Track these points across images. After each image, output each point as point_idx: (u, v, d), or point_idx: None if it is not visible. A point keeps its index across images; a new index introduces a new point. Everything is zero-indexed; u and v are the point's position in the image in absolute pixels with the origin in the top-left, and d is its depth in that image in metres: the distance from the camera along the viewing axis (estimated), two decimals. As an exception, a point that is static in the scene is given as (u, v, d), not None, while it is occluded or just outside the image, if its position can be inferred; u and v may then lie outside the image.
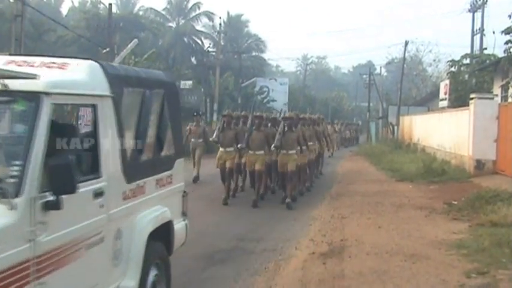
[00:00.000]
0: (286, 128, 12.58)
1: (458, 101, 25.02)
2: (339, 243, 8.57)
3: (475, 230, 9.23)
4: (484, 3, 32.31)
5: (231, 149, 13.02)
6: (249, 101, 42.16)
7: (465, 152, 17.70)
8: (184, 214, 6.10)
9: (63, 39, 43.59)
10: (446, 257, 7.62)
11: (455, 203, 11.92)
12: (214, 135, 13.66)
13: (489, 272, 6.72)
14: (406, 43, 42.63)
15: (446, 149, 20.39)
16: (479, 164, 16.70)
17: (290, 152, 12.55)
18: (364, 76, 57.53)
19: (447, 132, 21.16)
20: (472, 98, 17.63)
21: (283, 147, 12.48)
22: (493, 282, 6.37)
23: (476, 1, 32.54)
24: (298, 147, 13.08)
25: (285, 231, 9.66)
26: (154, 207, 5.16)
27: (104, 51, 25.32)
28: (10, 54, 7.19)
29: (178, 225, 5.80)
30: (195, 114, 17.24)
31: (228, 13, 63.08)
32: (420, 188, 15.56)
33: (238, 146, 12.69)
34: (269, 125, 13.79)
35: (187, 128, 16.34)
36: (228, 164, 12.91)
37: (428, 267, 7.09)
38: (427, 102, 42.11)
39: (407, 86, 52.69)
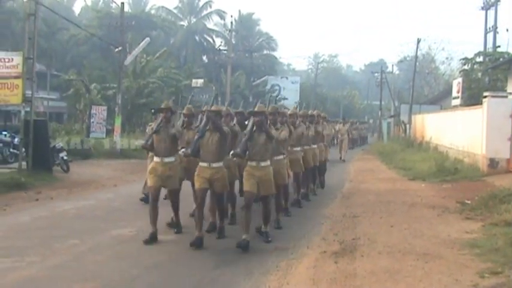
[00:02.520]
0: (255, 128, 8.48)
1: (471, 99, 24.92)
2: (350, 242, 8.54)
3: (489, 230, 9.15)
4: (497, 0, 32.12)
5: (171, 159, 8.78)
6: (261, 99, 42.25)
7: (478, 151, 17.58)
8: None
9: (76, 38, 43.92)
10: (459, 256, 7.57)
11: (469, 202, 11.83)
12: (145, 138, 9.45)
13: (503, 272, 6.66)
14: (418, 41, 42.36)
15: (459, 147, 20.27)
16: (493, 163, 16.60)
17: (263, 164, 8.45)
18: (376, 74, 57.29)
19: (460, 131, 21.03)
20: (485, 96, 17.50)
21: (251, 156, 8.46)
22: (507, 282, 6.32)
23: (490, -1, 32.38)
24: (281, 156, 9.64)
25: (297, 230, 9.64)
26: None
27: (116, 49, 25.36)
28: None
29: None
30: (153, 111, 12.17)
31: (240, 12, 63.32)
32: (433, 186, 15.48)
33: (180, 151, 8.99)
34: (233, 123, 10.08)
35: (147, 130, 11.98)
36: (170, 186, 8.92)
37: (441, 267, 7.04)
38: (439, 100, 41.91)
39: (420, 84, 52.53)
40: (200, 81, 35.53)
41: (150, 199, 8.77)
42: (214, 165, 8.38)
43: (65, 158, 17.59)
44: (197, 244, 8.10)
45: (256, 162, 8.43)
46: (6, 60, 15.76)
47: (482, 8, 33.63)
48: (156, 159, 8.83)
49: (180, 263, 7.28)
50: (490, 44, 31.92)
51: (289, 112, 11.51)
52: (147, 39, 28.52)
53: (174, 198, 9.02)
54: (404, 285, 6.38)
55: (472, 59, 28.58)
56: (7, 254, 7.62)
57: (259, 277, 6.79)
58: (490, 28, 32.39)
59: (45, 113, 35.83)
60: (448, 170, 17.40)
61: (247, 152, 8.48)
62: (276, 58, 67.34)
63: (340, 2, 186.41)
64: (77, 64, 41.40)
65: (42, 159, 15.84)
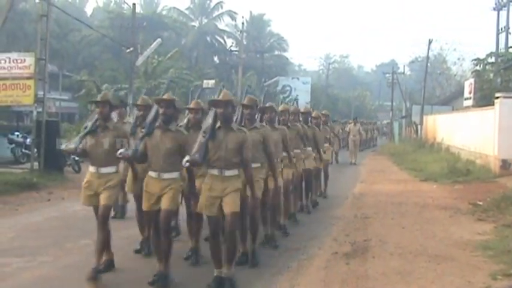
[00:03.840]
0: (218, 125, 6.22)
1: (483, 100, 24.76)
2: (362, 243, 8.52)
3: (501, 231, 9.11)
4: (510, 1, 31.93)
5: (111, 169, 6.64)
6: (272, 100, 42.28)
7: (490, 152, 17.49)
8: None
9: (88, 38, 44.12)
10: (472, 258, 7.53)
11: (481, 203, 11.78)
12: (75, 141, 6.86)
13: (515, 273, 6.63)
14: (430, 41, 42.14)
15: (471, 148, 20.18)
16: (505, 164, 16.50)
17: (227, 173, 6.20)
18: (387, 75, 57.01)
19: (472, 132, 20.94)
20: (497, 97, 17.42)
21: (213, 162, 6.20)
22: (520, 284, 6.29)
23: (502, -1, 32.17)
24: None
25: (308, 231, 9.62)
26: None
27: (128, 50, 25.47)
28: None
29: None
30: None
31: (251, 12, 63.34)
32: (444, 188, 15.41)
33: (118, 152, 6.30)
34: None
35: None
36: (103, 200, 6.53)
37: (453, 269, 7.01)
38: (451, 101, 41.74)
39: (431, 85, 52.28)
40: (211, 82, 35.50)
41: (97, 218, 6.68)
42: (166, 176, 6.30)
43: (76, 158, 17.64)
44: (160, 283, 6.28)
45: (218, 170, 6.19)
46: (19, 61, 15.87)
47: (494, 9, 33.42)
48: (91, 169, 6.70)
49: (191, 263, 7.27)
50: (502, 45, 31.72)
51: (280, 109, 9.33)
52: (159, 40, 28.59)
53: (102, 217, 6.55)
54: (416, 286, 6.36)
55: (484, 59, 28.39)
56: (20, 254, 7.66)
57: (270, 278, 6.78)
58: (502, 29, 32.18)
59: (57, 114, 36.04)
60: (460, 171, 17.32)
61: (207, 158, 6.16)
62: (287, 59, 67.36)
63: (351, 3, 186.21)
64: (88, 65, 41.63)
65: (53, 160, 15.90)
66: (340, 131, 27.48)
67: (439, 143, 27.50)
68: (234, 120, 6.64)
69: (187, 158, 5.96)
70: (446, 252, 7.86)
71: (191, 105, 7.44)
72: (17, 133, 20.17)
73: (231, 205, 6.13)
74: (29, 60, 15.88)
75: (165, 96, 6.41)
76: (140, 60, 26.75)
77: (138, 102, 7.80)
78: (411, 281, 6.56)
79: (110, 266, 6.91)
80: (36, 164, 15.88)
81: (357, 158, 25.34)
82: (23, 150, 19.11)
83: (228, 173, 6.18)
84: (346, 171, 20.13)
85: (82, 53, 45.06)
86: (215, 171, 6.20)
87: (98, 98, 6.84)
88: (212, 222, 6.26)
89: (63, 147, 6.95)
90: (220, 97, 6.34)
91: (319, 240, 8.89)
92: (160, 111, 6.28)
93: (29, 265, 7.16)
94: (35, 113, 16.32)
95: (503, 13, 32.25)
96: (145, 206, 6.42)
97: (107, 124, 6.66)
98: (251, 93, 9.58)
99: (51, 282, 6.53)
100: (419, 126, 38.66)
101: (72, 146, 6.73)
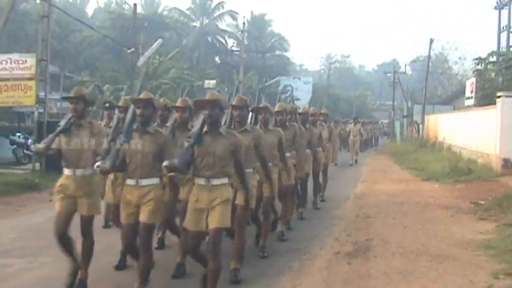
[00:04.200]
0: (206, 128, 5.54)
1: (485, 99, 24.73)
2: (364, 242, 8.51)
3: (503, 230, 9.09)
4: (511, 0, 31.89)
5: (88, 171, 5.94)
6: (272, 100, 42.27)
7: (492, 151, 17.47)
8: None
9: (89, 39, 44.10)
10: (474, 257, 7.52)
11: (482, 202, 11.76)
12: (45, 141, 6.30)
13: (517, 273, 6.62)
14: (431, 41, 42.13)
15: (473, 147, 20.16)
16: (507, 163, 16.49)
17: (215, 182, 5.47)
18: (389, 74, 56.98)
19: (473, 131, 20.92)
20: (499, 96, 17.41)
21: (198, 171, 5.53)
22: (522, 283, 6.28)
23: (503, -2, 32.15)
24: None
25: (309, 231, 9.61)
26: None
27: (129, 51, 25.48)
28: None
29: None
30: (107, 105, 9.36)
31: (252, 12, 63.49)
32: (446, 187, 15.38)
33: (96, 164, 5.46)
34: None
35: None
36: (85, 210, 6.09)
37: (455, 268, 7.00)
38: (452, 100, 41.69)
39: (433, 85, 52.24)
40: (212, 82, 35.53)
41: (55, 234, 6.19)
42: (144, 182, 5.55)
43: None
44: None
45: (205, 179, 5.48)
46: (20, 61, 15.90)
47: (496, 8, 33.40)
48: (66, 172, 6.02)
49: (192, 264, 7.26)
50: (503, 44, 31.67)
51: (276, 108, 8.61)
52: (160, 40, 28.61)
53: (86, 229, 6.11)
54: (418, 286, 6.35)
55: (485, 58, 28.35)
56: (21, 255, 7.68)
57: (272, 278, 6.77)
58: (503, 28, 32.15)
59: (58, 114, 36.05)
60: (461, 170, 17.29)
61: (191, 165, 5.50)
62: (288, 59, 67.31)
63: (352, 2, 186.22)
64: (89, 65, 41.62)
65: (55, 161, 15.88)
66: (341, 131, 27.43)
67: (441, 143, 27.46)
68: (223, 122, 6.06)
69: (165, 163, 5.28)
70: (448, 252, 7.85)
71: (178, 104, 6.92)
72: (18, 134, 20.20)
73: (217, 219, 5.38)
74: (30, 61, 15.91)
75: (141, 96, 5.68)
76: (141, 60, 26.78)
77: (120, 104, 7.17)
78: (413, 280, 6.55)
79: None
80: (37, 164, 15.88)
81: (358, 158, 25.25)
82: (25, 151, 19.13)
83: (216, 181, 5.47)
84: (347, 171, 20.11)
85: (83, 54, 45.05)
86: (201, 181, 5.51)
87: (71, 94, 6.12)
88: (193, 241, 5.61)
89: (32, 147, 6.12)
90: (207, 97, 5.58)
91: (321, 240, 8.88)
92: (138, 112, 5.52)
93: (31, 266, 7.17)
94: (36, 113, 16.34)
95: (505, 12, 32.24)
96: (123, 218, 5.70)
97: (82, 122, 6.05)
98: (251, 94, 9.37)
99: (53, 282, 6.52)
100: (420, 126, 38.64)
101: (41, 146, 6.15)
